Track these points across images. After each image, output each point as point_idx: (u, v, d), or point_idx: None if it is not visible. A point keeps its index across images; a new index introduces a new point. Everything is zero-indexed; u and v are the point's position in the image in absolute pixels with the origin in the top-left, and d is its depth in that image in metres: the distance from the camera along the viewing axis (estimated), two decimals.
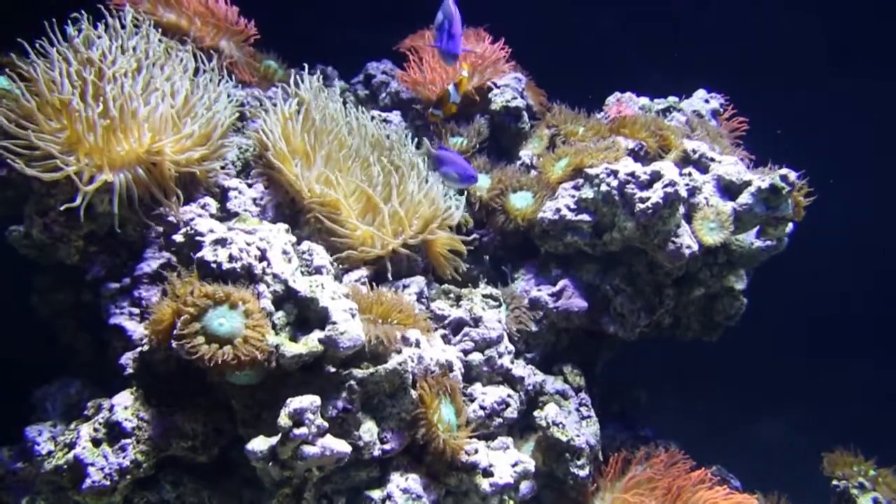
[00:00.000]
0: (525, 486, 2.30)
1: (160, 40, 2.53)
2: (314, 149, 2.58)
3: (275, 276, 2.04)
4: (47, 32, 2.23)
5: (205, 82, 2.49)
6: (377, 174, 2.60)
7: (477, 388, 2.46)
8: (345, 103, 2.81)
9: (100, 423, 1.94)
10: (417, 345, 2.18)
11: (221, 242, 2.05)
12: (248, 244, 2.07)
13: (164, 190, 2.28)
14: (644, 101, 3.51)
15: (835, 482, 3.06)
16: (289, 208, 2.61)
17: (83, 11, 2.36)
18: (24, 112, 2.11)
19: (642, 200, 2.63)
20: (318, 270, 2.25)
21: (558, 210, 2.82)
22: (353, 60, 3.86)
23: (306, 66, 2.90)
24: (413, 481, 2.05)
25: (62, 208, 2.10)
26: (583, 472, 2.47)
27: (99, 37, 2.32)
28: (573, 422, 2.56)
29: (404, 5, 4.25)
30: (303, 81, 2.75)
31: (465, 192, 2.87)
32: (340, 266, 2.44)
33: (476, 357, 2.49)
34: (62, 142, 2.11)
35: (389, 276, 2.53)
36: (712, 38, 4.78)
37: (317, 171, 2.55)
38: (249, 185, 2.58)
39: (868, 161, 5.19)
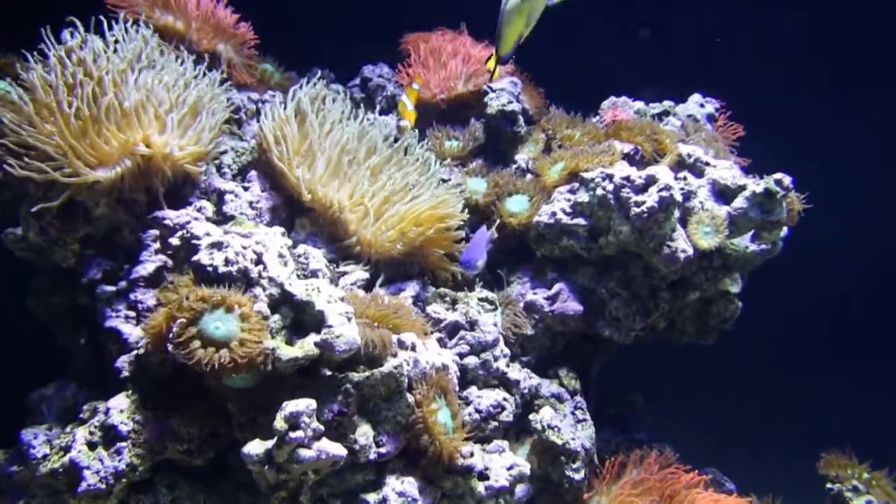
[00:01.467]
0: (520, 490, 2.30)
1: (160, 48, 2.53)
2: (315, 151, 2.58)
3: (271, 279, 2.04)
4: (44, 36, 2.23)
5: (200, 83, 2.49)
6: (380, 177, 2.61)
7: (472, 392, 2.47)
8: (352, 109, 2.81)
9: (95, 427, 1.94)
10: (413, 348, 2.18)
11: (217, 246, 2.06)
12: (245, 248, 2.08)
13: (157, 189, 2.28)
14: (639, 105, 3.51)
15: (829, 485, 3.07)
16: (285, 211, 2.62)
17: (80, 15, 2.36)
18: (22, 114, 2.11)
19: (637, 204, 2.64)
20: (315, 274, 2.26)
21: (554, 214, 2.83)
22: (349, 64, 3.86)
23: (304, 69, 2.91)
24: (409, 485, 2.05)
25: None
26: (578, 476, 2.47)
27: (93, 39, 2.32)
28: (569, 425, 2.57)
29: (403, 8, 4.27)
30: (305, 84, 2.75)
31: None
32: (337, 269, 2.45)
33: (472, 360, 2.50)
34: (57, 143, 2.12)
35: (386, 279, 2.54)
36: (710, 40, 4.79)
37: (317, 173, 2.55)
38: (246, 189, 2.59)
39: (868, 162, 5.20)
